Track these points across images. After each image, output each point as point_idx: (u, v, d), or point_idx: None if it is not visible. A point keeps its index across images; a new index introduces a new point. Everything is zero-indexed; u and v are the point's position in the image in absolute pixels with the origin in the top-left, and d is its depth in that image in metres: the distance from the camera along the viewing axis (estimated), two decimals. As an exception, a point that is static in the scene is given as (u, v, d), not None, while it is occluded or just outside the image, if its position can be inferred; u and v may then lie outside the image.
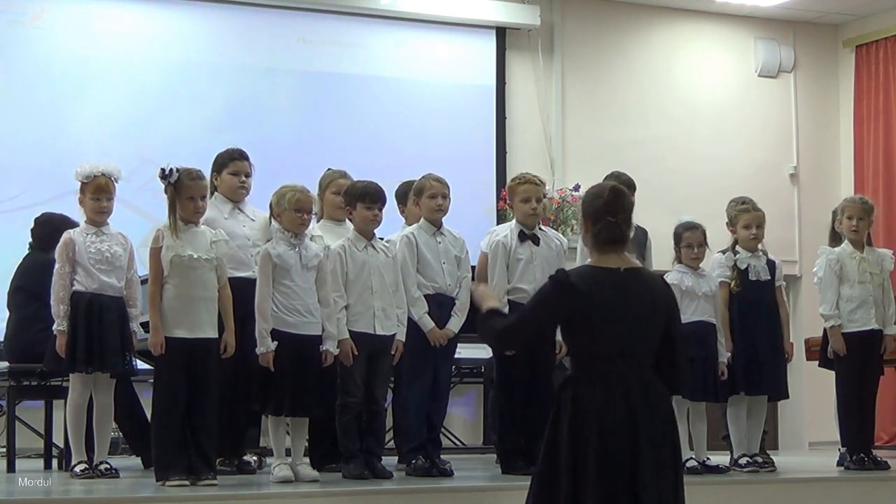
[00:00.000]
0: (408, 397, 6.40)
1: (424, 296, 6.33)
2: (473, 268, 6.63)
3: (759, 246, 7.01)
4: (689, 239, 6.77)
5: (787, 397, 7.22)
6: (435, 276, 6.39)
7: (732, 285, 6.87)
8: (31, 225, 7.21)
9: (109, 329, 6.02)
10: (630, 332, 3.90)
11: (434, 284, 6.38)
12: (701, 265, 6.86)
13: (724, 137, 11.64)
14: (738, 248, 6.98)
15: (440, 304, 6.38)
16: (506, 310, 5.26)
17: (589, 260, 4.06)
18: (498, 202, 10.48)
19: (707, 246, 6.85)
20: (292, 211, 5.91)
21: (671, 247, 6.90)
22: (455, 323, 6.41)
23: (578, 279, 3.92)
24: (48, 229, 7.00)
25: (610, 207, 3.99)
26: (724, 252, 7.01)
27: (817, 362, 7.42)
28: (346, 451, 6.04)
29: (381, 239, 6.29)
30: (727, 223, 7.10)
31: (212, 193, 6.28)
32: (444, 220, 6.50)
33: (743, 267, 6.91)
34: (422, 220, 6.49)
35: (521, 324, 4.06)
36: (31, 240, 7.17)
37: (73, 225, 6.81)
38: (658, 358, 3.97)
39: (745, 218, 6.98)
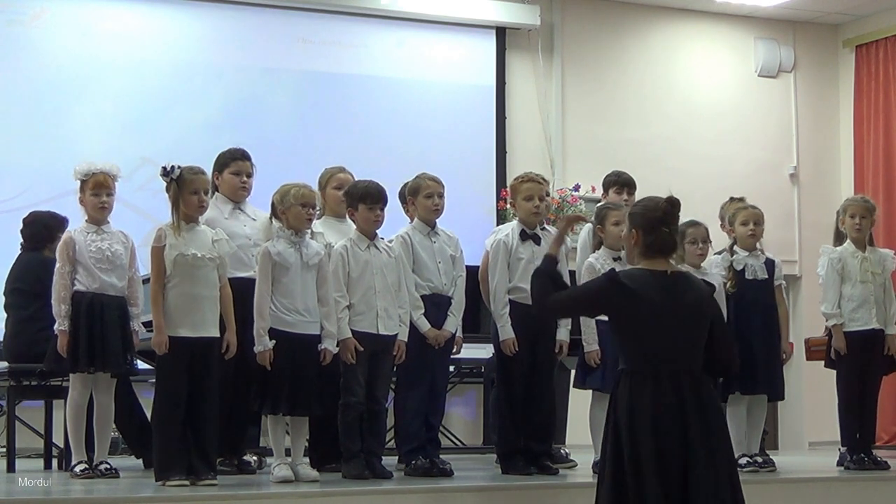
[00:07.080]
0: (406, 399, 6.38)
1: (421, 296, 6.32)
2: (468, 267, 6.61)
3: (758, 245, 7.00)
4: (694, 234, 6.71)
5: (783, 398, 7.18)
6: (431, 276, 6.37)
7: (728, 286, 6.85)
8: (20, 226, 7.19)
9: (111, 328, 6.01)
10: (678, 331, 4.10)
11: (430, 284, 6.36)
12: (703, 264, 6.84)
13: (723, 137, 11.63)
14: (735, 248, 6.97)
15: (437, 305, 6.36)
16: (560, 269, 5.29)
17: (639, 264, 4.25)
18: (498, 202, 10.47)
19: (710, 243, 6.83)
20: (298, 206, 5.90)
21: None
22: (452, 323, 6.40)
23: (628, 279, 4.15)
24: (37, 227, 7.02)
25: (666, 219, 4.20)
26: (720, 253, 7.00)
27: (822, 362, 7.40)
28: (346, 451, 6.04)
29: (384, 239, 6.28)
30: (721, 224, 7.08)
31: (213, 193, 6.27)
32: (444, 218, 6.49)
33: (739, 268, 6.90)
34: (416, 220, 6.47)
35: (568, 305, 4.50)
36: (21, 241, 7.14)
37: (61, 221, 6.85)
38: (711, 355, 4.18)
39: (743, 214, 6.97)
